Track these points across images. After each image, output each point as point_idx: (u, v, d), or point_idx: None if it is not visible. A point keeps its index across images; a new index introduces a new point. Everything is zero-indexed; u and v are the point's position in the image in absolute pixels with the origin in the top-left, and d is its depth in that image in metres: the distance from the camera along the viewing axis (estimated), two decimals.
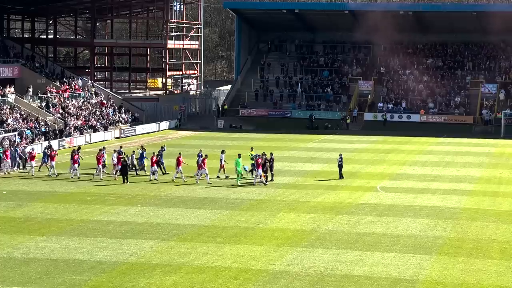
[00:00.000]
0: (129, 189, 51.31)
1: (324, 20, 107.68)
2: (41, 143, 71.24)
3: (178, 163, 54.39)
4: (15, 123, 75.18)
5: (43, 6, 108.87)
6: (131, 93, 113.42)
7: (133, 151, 59.54)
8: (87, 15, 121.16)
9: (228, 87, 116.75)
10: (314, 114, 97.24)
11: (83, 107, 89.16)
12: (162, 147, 60.80)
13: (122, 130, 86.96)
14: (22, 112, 79.15)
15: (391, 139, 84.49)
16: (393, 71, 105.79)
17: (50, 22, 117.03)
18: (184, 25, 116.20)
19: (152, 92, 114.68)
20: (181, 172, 54.37)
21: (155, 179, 54.43)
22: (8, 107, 78.65)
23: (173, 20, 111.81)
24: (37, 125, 77.28)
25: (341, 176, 56.57)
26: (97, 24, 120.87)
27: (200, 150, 57.98)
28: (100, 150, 58.26)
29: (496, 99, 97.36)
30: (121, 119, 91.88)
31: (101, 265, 32.31)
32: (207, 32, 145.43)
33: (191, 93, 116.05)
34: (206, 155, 54.95)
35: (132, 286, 29.49)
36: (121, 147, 62.37)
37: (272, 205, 46.05)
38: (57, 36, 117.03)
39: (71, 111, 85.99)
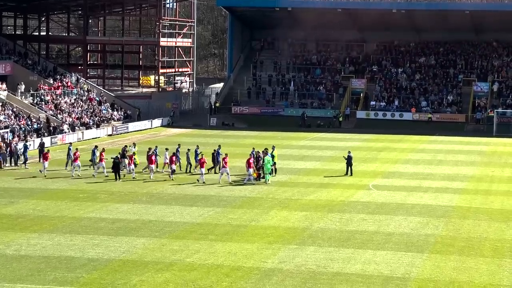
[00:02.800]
0: (121, 186, 51.26)
1: (317, 18, 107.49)
2: (34, 140, 71.10)
3: (225, 163, 53.59)
4: (7, 120, 75.00)
5: (36, 2, 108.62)
6: (124, 91, 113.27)
7: (188, 149, 58.99)
8: (80, 12, 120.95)
9: (221, 84, 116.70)
10: (306, 112, 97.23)
11: (75, 104, 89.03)
12: (219, 146, 59.53)
13: (114, 128, 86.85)
14: (14, 109, 78.98)
15: (384, 137, 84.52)
16: (386, 69, 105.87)
17: (43, 19, 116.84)
18: (177, 22, 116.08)
19: (144, 90, 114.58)
20: (227, 174, 53.21)
21: (203, 182, 52.90)
22: (0, 104, 78.44)
23: (165, 17, 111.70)
24: (29, 122, 77.12)
25: (349, 173, 57.19)
26: (90, 21, 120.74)
27: (253, 148, 57.70)
28: (150, 148, 57.75)
29: (488, 98, 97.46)
30: (113, 116, 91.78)
31: (93, 262, 32.27)
32: (199, 29, 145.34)
33: (183, 90, 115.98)
34: (226, 154, 54.73)
35: (124, 283, 29.46)
36: (179, 145, 60.24)
37: (264, 203, 46.05)
38: (50, 33, 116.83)
39: (64, 108, 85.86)
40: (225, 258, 33.32)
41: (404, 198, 48.38)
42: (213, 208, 44.16)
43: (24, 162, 59.98)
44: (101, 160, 55.47)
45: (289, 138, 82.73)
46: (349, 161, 57.41)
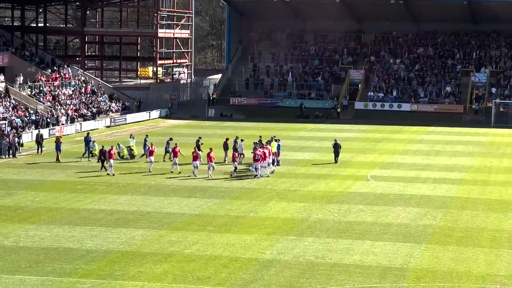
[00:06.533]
0: (119, 178, 51.17)
1: (315, 9, 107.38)
2: (31, 132, 71.04)
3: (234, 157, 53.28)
4: (5, 111, 74.88)
5: None
6: (122, 82, 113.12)
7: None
8: (77, 3, 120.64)
9: (219, 76, 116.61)
10: (304, 103, 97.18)
11: (73, 96, 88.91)
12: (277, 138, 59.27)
13: (112, 119, 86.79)
14: (12, 101, 78.85)
15: (382, 128, 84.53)
16: (384, 60, 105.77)
17: (40, 10, 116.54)
18: (175, 13, 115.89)
19: (142, 81, 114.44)
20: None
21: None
22: None
23: (163, 8, 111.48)
24: (27, 113, 77.00)
25: (336, 161, 58.16)
26: (88, 12, 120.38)
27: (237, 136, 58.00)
28: (236, 141, 57.46)
29: (486, 88, 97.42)
30: (111, 108, 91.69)
31: (92, 253, 32.28)
32: (197, 21, 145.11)
33: (181, 82, 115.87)
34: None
35: (123, 275, 29.48)
36: (261, 137, 58.90)
37: (262, 194, 46.06)
38: (47, 24, 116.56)
39: (62, 100, 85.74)
40: (223, 249, 33.34)
41: (402, 189, 48.42)
42: (212, 199, 44.17)
43: (88, 156, 58.96)
44: (196, 158, 52.60)
45: (287, 129, 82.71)
46: (335, 149, 58.24)
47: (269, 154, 52.81)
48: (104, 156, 53.76)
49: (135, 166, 55.60)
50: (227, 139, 58.67)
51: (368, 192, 47.21)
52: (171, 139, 59.26)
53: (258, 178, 51.14)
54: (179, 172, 52.71)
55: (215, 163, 52.66)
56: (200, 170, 52.34)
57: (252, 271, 30.29)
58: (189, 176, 51.81)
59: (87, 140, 59.74)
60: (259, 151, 51.68)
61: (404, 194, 46.66)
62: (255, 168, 51.55)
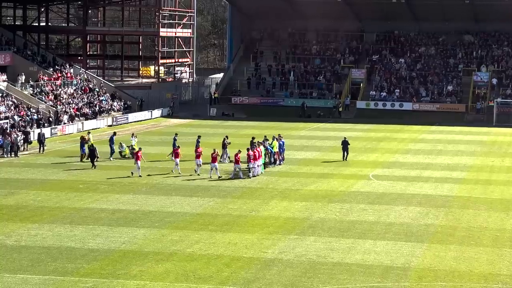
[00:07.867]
0: (121, 177, 51.12)
1: (317, 8, 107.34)
2: (33, 131, 71.04)
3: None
4: (7, 110, 74.89)
5: None
6: (124, 81, 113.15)
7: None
8: (79, 2, 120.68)
9: (221, 75, 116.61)
10: (306, 102, 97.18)
11: (75, 95, 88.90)
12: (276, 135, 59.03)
13: (114, 118, 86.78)
14: (14, 100, 78.85)
15: (384, 127, 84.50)
16: (386, 59, 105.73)
17: (42, 9, 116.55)
18: (177, 13, 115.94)
19: (144, 80, 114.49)
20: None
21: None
22: (0, 95, 78.33)
23: (165, 7, 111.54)
24: (29, 113, 77.00)
25: (344, 158, 58.91)
26: (90, 11, 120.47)
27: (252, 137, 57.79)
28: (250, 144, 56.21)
29: (488, 88, 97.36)
30: (113, 107, 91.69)
31: (93, 252, 32.30)
32: (199, 20, 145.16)
33: (183, 81, 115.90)
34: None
35: (125, 274, 29.49)
36: (280, 135, 59.26)
37: (264, 193, 46.06)
38: (49, 23, 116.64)
39: (63, 99, 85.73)
40: (225, 248, 33.34)
41: (404, 188, 48.41)
42: (213, 199, 44.17)
43: (111, 155, 58.81)
44: (239, 159, 51.55)
45: (289, 128, 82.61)
46: (344, 146, 58.77)
47: (259, 156, 52.49)
48: (93, 154, 54.05)
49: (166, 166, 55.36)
50: (253, 138, 58.05)
51: (370, 191, 47.21)
52: (199, 136, 58.63)
53: (257, 176, 51.32)
54: (198, 174, 52.04)
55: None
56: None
57: (254, 270, 30.29)
58: (190, 175, 51.80)
59: (112, 140, 59.61)
60: (255, 150, 51.80)
61: (406, 193, 46.65)
62: (252, 167, 51.70)
